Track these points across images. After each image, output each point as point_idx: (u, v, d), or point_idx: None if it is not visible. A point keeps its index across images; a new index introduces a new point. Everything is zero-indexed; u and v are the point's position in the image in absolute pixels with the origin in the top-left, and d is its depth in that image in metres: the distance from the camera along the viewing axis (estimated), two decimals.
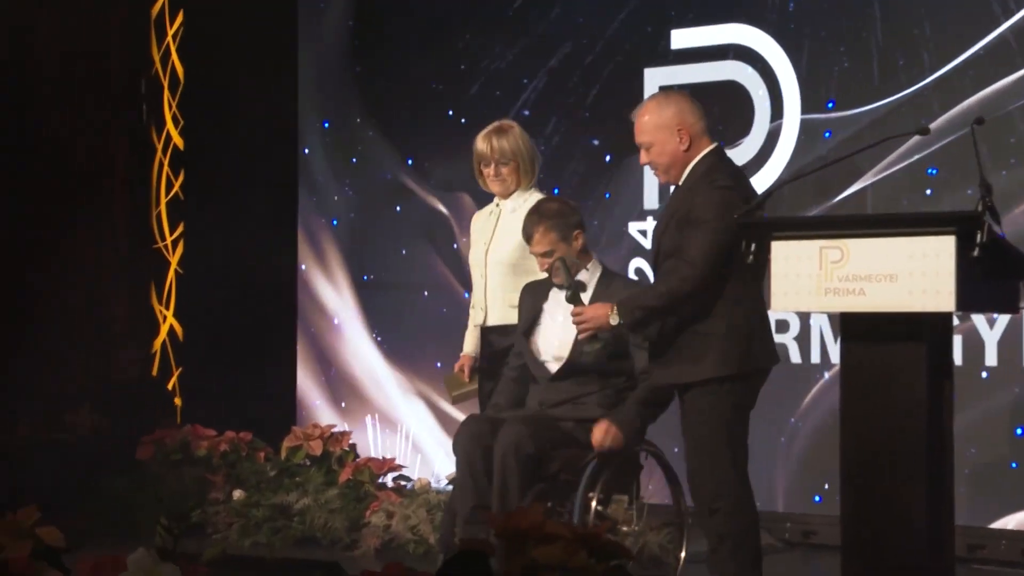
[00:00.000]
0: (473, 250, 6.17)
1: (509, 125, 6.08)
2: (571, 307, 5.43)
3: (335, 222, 9.01)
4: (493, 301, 6.02)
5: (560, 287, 5.62)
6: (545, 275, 5.78)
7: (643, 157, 5.30)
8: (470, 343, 6.22)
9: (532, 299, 5.83)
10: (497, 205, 6.12)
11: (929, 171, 6.90)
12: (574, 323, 5.35)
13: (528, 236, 5.68)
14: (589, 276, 5.73)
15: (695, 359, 5.12)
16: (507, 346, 5.95)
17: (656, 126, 5.21)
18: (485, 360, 6.07)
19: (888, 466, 4.58)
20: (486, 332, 6.05)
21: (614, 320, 5.19)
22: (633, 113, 5.31)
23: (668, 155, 5.22)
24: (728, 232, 4.97)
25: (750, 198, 5.12)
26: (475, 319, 6.18)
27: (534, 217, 5.67)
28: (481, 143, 6.05)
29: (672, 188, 5.38)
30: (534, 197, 6.01)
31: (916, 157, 6.94)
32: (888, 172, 7.02)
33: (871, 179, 7.05)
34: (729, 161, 5.32)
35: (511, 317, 5.95)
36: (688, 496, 5.57)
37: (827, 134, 7.21)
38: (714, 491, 5.12)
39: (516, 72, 8.22)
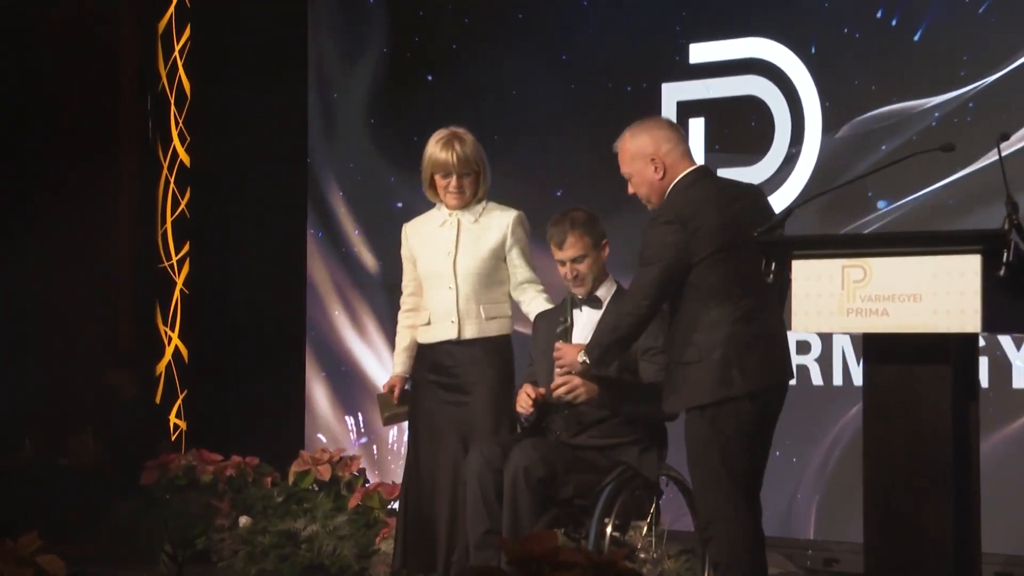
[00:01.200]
0: (429, 261, 6.06)
1: (463, 132, 6.03)
2: (586, 336, 5.60)
3: (346, 240, 9.01)
4: (467, 313, 5.98)
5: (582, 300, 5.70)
6: (557, 304, 5.89)
7: (629, 189, 5.41)
8: (402, 362, 6.17)
9: (547, 328, 5.86)
10: (450, 215, 6.05)
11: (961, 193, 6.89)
12: (554, 357, 5.51)
13: (560, 241, 5.74)
14: (605, 293, 5.78)
15: (675, 390, 5.21)
16: (478, 358, 5.95)
17: (632, 156, 5.34)
18: (446, 375, 6.01)
19: (912, 491, 4.57)
20: (454, 346, 5.99)
21: (581, 357, 5.36)
22: (615, 145, 5.40)
23: (646, 185, 5.33)
24: (663, 265, 5.13)
25: (707, 225, 5.13)
26: (407, 337, 6.14)
27: (566, 224, 5.75)
28: (441, 152, 5.96)
29: None
30: (494, 207, 6.05)
31: (951, 178, 6.92)
32: (920, 192, 7.01)
33: (900, 199, 7.04)
34: (702, 184, 5.29)
35: (487, 330, 5.98)
36: None
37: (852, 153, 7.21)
38: (705, 519, 5.16)
39: (531, 87, 8.23)
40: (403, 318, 6.22)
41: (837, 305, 4.59)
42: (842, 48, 7.28)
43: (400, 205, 8.63)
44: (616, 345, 5.34)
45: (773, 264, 4.81)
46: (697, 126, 7.60)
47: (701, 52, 7.70)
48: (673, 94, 7.75)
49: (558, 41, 8.21)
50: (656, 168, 5.27)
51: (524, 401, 5.69)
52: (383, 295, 8.79)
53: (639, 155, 5.30)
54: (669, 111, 7.72)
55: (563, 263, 5.75)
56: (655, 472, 5.66)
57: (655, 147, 5.29)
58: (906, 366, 4.58)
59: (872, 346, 4.68)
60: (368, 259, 8.93)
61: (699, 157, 7.15)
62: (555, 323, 5.81)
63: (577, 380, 5.53)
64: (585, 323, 5.74)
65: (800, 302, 4.65)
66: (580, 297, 5.78)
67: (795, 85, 7.39)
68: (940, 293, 4.42)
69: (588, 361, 5.37)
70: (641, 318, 5.22)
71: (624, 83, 7.93)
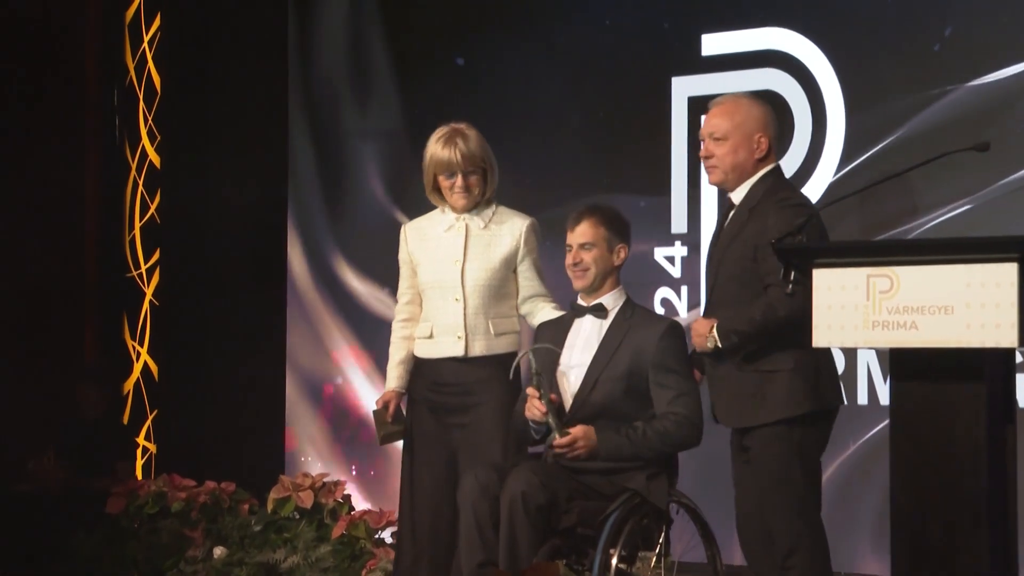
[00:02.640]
0: (433, 268, 6.01)
1: (466, 127, 5.99)
2: (588, 349, 5.68)
3: (331, 248, 9.00)
4: (476, 328, 5.95)
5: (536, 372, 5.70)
6: (565, 313, 5.88)
7: (708, 148, 5.41)
8: (397, 376, 6.11)
9: (550, 339, 5.85)
10: (458, 219, 6.03)
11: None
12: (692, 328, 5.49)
13: (574, 225, 5.77)
14: (612, 303, 5.78)
15: (761, 399, 5.22)
16: (485, 376, 5.93)
17: (742, 121, 5.37)
18: (448, 395, 5.99)
19: (944, 521, 4.55)
20: (459, 363, 5.96)
21: (712, 340, 5.27)
22: (717, 100, 5.45)
23: (740, 157, 5.38)
24: None
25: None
26: (403, 349, 6.08)
27: (588, 211, 5.79)
28: (442, 150, 5.93)
29: (720, 209, 5.51)
30: (505, 212, 6.03)
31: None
32: (957, 198, 7.00)
33: (933, 203, 7.03)
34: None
35: (496, 347, 5.94)
36: (723, 552, 5.60)
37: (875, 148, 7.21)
38: (785, 545, 5.20)
39: (529, 80, 8.22)
40: (398, 328, 6.16)
41: (862, 318, 4.58)
42: (866, 37, 7.27)
43: (391, 209, 8.62)
44: (756, 340, 5.22)
45: (793, 273, 4.82)
46: None
47: (714, 43, 7.69)
48: (684, 89, 7.75)
49: (558, 31, 8.20)
50: (759, 147, 5.35)
51: (536, 407, 5.66)
52: (369, 308, 8.79)
53: (748, 124, 5.35)
54: (679, 107, 7.72)
55: (570, 248, 5.76)
56: (664, 499, 5.65)
57: (765, 125, 5.38)
58: (937, 384, 4.57)
59: (900, 362, 4.67)
60: (354, 270, 8.92)
61: None
62: (560, 336, 5.81)
63: (579, 434, 5.57)
64: (588, 333, 5.75)
65: (822, 314, 4.64)
66: (583, 303, 5.78)
67: (816, 79, 7.39)
68: (974, 305, 4.41)
69: (721, 346, 5.26)
70: (798, 307, 4.96)
71: (630, 77, 7.93)
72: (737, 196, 5.40)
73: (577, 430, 5.60)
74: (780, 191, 5.32)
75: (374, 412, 6.15)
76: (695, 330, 5.39)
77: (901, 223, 7.08)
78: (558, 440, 5.60)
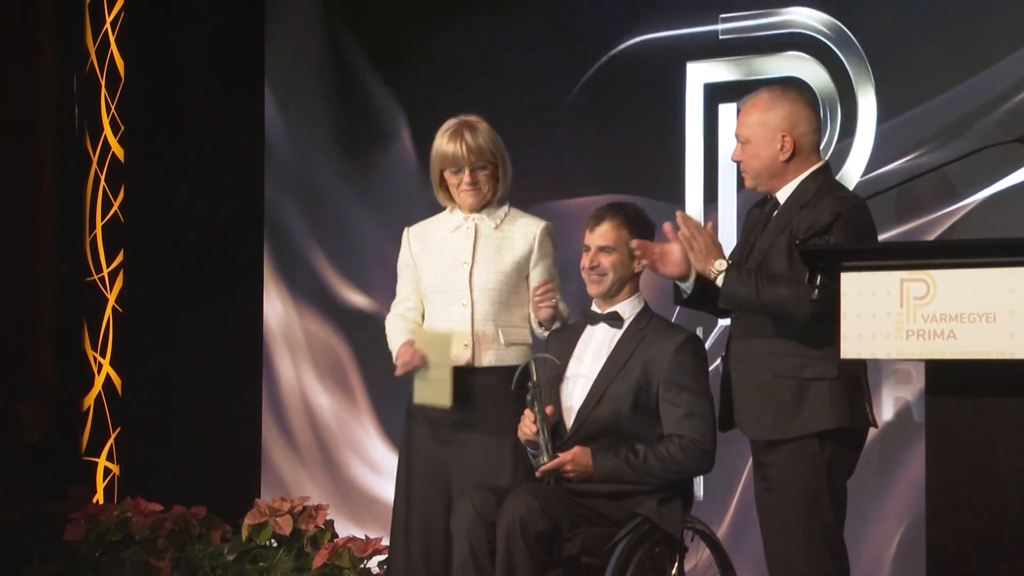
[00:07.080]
0: (438, 272, 6.02)
1: (476, 120, 6.01)
2: (598, 360, 5.67)
3: (310, 248, 9.00)
4: (484, 337, 5.95)
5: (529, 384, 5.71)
6: (576, 322, 5.88)
7: (736, 152, 5.47)
8: (403, 333, 6.01)
9: (559, 350, 5.85)
10: (466, 219, 6.04)
11: None
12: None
13: (594, 225, 5.78)
14: (628, 311, 5.79)
15: (796, 409, 5.21)
16: (492, 389, 5.90)
17: (759, 123, 5.40)
18: (452, 407, 5.95)
19: (985, 549, 4.55)
20: (466, 374, 5.92)
21: (718, 265, 5.20)
22: (743, 101, 5.49)
23: (764, 160, 5.39)
24: None
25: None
26: (404, 331, 6.01)
27: (610, 211, 5.80)
28: (448, 144, 5.95)
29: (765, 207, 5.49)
30: (518, 214, 6.04)
31: None
32: (990, 190, 7.00)
33: (967, 198, 7.04)
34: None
35: (505, 358, 5.93)
36: None
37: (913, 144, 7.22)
38: (805, 573, 5.20)
39: (530, 68, 8.23)
40: (396, 319, 6.12)
41: (895, 326, 4.57)
42: (901, 17, 7.27)
43: (379, 209, 8.62)
44: (759, 310, 5.21)
45: (819, 277, 4.81)
46: (729, 113, 7.60)
47: (733, 26, 7.70)
48: (700, 75, 7.76)
49: (562, 12, 8.20)
50: (783, 147, 5.36)
51: (528, 426, 5.67)
52: (354, 311, 8.79)
53: (769, 125, 5.37)
54: (695, 95, 7.73)
55: (587, 249, 5.75)
56: (678, 525, 5.65)
57: (790, 122, 5.38)
58: (977, 399, 4.56)
59: (936, 375, 4.66)
60: (338, 273, 8.92)
61: (729, 152, 7.16)
62: (569, 346, 5.81)
63: (567, 457, 5.58)
64: (599, 343, 5.75)
65: (851, 323, 4.63)
66: (597, 311, 5.78)
67: (845, 63, 7.40)
68: (1018, 312, 4.40)
69: (724, 285, 5.19)
70: (818, 316, 5.03)
71: (642, 63, 7.93)
72: (783, 194, 5.41)
73: (567, 453, 5.60)
74: (836, 189, 5.38)
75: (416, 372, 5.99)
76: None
77: (936, 221, 7.09)
78: (544, 464, 5.60)
